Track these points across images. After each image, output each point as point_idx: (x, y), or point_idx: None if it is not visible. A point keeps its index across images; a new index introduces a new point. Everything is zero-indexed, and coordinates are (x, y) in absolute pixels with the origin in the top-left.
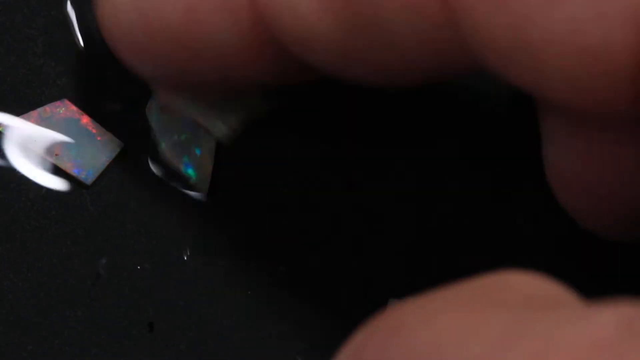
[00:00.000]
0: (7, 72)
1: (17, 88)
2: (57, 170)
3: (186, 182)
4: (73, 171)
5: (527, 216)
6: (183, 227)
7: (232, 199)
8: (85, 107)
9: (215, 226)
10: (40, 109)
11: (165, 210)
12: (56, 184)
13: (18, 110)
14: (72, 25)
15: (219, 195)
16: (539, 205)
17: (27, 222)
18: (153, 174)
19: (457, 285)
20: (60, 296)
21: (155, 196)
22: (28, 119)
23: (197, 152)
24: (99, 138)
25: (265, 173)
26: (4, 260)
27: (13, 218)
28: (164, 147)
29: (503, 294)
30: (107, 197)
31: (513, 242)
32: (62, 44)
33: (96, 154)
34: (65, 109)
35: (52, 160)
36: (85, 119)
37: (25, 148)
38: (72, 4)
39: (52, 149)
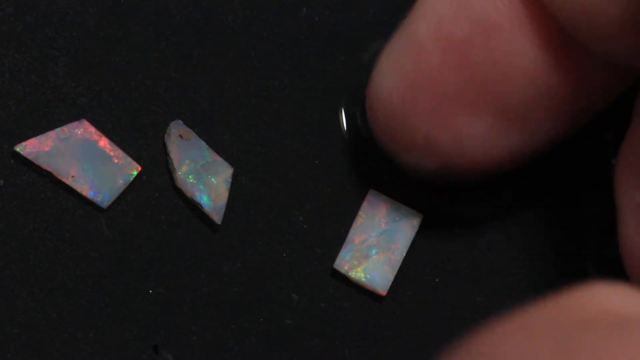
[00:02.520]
0: (27, 91)
1: (36, 107)
2: (72, 193)
3: (201, 210)
4: (89, 194)
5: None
6: (197, 253)
7: (245, 227)
8: (104, 129)
9: (228, 253)
10: (58, 130)
11: (180, 236)
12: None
13: (37, 129)
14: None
15: (232, 223)
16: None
17: (42, 243)
18: (169, 199)
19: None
20: (73, 318)
21: (171, 221)
22: (46, 140)
23: (213, 180)
24: (116, 160)
25: (279, 202)
26: (18, 281)
27: (27, 239)
28: (181, 173)
29: (585, 314)
30: (123, 220)
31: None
32: (83, 64)
33: (113, 177)
34: (84, 130)
35: (68, 182)
36: (103, 141)
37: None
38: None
39: (68, 171)
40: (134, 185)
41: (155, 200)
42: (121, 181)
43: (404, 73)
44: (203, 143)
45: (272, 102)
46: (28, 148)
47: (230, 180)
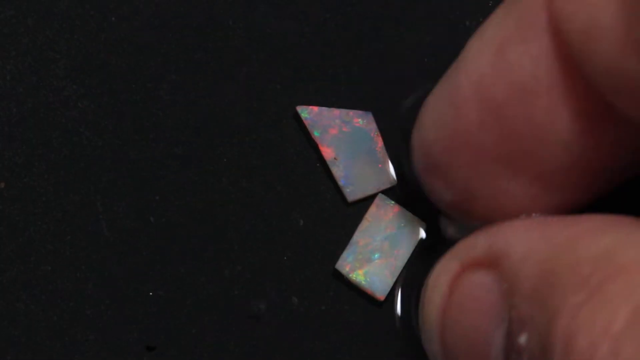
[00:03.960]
0: (28, 93)
1: (37, 109)
2: (77, 193)
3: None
4: (341, 181)
5: None
6: (197, 255)
7: (246, 229)
8: (105, 130)
9: (229, 256)
10: (343, 110)
11: (180, 238)
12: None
13: (37, 131)
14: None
15: (233, 225)
16: None
17: (42, 245)
18: (169, 200)
19: None
20: (73, 320)
21: (171, 223)
22: (328, 113)
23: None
24: (380, 165)
25: (280, 204)
26: (18, 283)
27: (28, 241)
28: None
29: None
30: (123, 223)
31: None
32: (84, 67)
33: (370, 178)
34: (366, 122)
35: (328, 160)
36: (379, 141)
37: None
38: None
39: (334, 151)
40: (136, 186)
41: (156, 203)
42: (375, 185)
43: (445, 125)
44: None
45: (272, 105)
46: (310, 114)
47: None
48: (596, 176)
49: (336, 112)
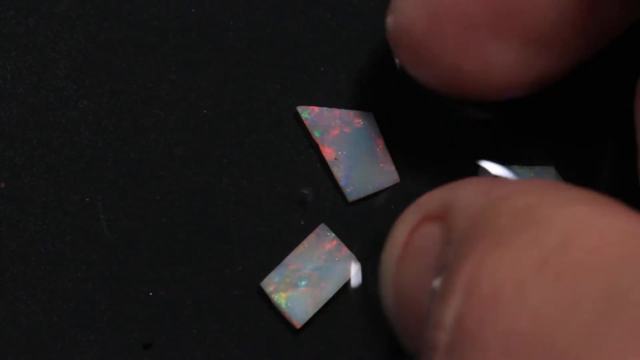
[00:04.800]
0: (28, 93)
1: (38, 110)
2: (74, 191)
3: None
4: (341, 181)
5: None
6: (197, 256)
7: (246, 230)
8: (105, 130)
9: (229, 257)
10: (344, 111)
11: (180, 239)
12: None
13: (38, 131)
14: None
15: (233, 225)
16: None
17: (43, 245)
18: (170, 201)
19: None
20: (73, 320)
21: (171, 223)
22: (328, 113)
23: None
24: (381, 165)
25: (280, 205)
26: (18, 283)
27: (28, 241)
28: None
29: None
30: (123, 223)
31: None
32: (84, 67)
33: (371, 177)
34: (367, 123)
35: (328, 160)
36: (380, 142)
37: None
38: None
39: (334, 151)
40: (136, 186)
41: (156, 202)
42: (376, 184)
43: (427, 2)
44: None
45: (272, 105)
46: (310, 115)
47: None
48: (587, 34)
49: (337, 112)
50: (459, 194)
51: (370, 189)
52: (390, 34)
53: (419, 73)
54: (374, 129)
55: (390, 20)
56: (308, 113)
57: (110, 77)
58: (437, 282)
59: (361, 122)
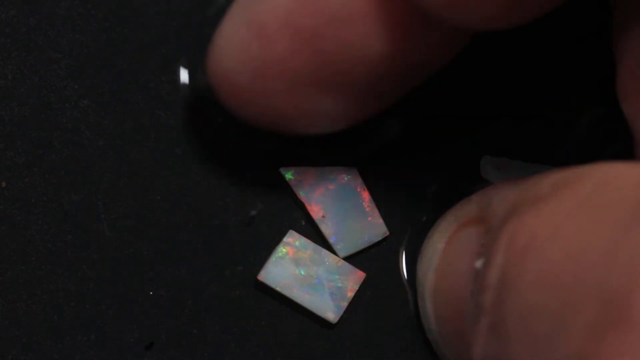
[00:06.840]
0: (29, 93)
1: (39, 109)
2: (81, 189)
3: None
4: (331, 238)
5: None
6: (198, 255)
7: (247, 230)
8: (105, 131)
9: (230, 257)
10: (326, 168)
11: (181, 238)
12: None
13: (39, 131)
14: (182, 86)
15: (234, 226)
16: None
17: (43, 245)
18: (170, 201)
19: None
20: (74, 320)
21: (171, 223)
22: (311, 173)
23: None
24: (369, 219)
25: (280, 204)
26: (19, 283)
27: (29, 240)
28: None
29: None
30: (124, 223)
31: None
32: (86, 66)
33: (360, 233)
34: (351, 178)
35: (316, 218)
36: (365, 196)
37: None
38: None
39: (321, 209)
40: (136, 186)
41: (156, 202)
42: (366, 239)
43: (251, 58)
44: None
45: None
46: (294, 175)
47: None
48: (406, 82)
49: (320, 170)
50: (493, 193)
51: (360, 243)
52: (210, 76)
53: (242, 115)
54: (358, 183)
55: (211, 63)
56: (292, 174)
57: (111, 77)
58: (479, 263)
59: (345, 178)
